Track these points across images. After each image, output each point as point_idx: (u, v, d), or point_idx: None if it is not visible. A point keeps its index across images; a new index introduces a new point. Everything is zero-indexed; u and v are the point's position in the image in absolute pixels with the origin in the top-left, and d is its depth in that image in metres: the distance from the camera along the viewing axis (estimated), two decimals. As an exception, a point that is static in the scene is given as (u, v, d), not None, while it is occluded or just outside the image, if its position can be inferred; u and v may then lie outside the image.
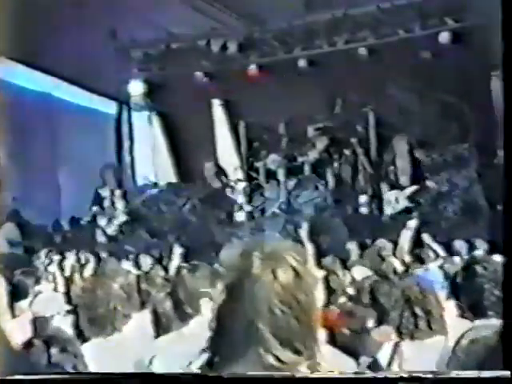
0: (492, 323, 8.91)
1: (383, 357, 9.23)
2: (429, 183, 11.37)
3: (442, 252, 9.71)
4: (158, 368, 9.62)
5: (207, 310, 9.45)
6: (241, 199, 12.46)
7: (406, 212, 10.93)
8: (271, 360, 2.41)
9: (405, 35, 12.61)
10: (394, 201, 11.24)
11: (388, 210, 11.17)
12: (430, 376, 3.80)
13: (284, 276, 2.47)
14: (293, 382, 2.47)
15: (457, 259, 9.59)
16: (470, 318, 9.22)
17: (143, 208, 12.80)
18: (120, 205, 12.50)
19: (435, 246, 9.76)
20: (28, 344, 10.48)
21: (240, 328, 2.44)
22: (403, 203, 11.14)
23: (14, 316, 10.70)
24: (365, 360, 9.20)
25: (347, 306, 9.60)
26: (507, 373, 4.75)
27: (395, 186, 11.67)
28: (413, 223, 9.96)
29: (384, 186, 11.64)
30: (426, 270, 9.67)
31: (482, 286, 9.43)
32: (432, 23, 12.47)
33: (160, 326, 10.29)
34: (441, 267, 9.59)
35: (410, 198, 11.19)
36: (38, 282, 10.93)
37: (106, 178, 13.49)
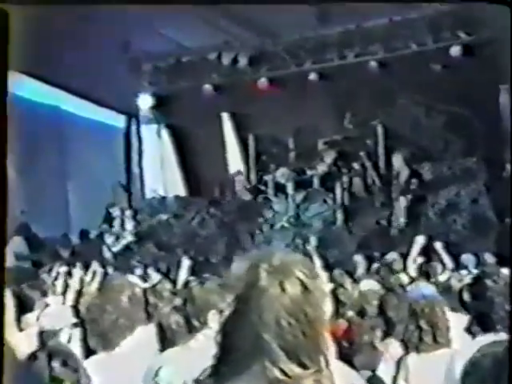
0: (501, 338, 8.86)
1: (388, 370, 9.18)
2: (437, 197, 11.29)
3: (450, 265, 9.64)
4: (164, 380, 9.60)
5: (215, 323, 9.41)
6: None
7: (415, 225, 10.85)
8: (277, 373, 2.37)
9: (417, 48, 12.59)
10: (399, 214, 11.17)
11: (395, 223, 11.11)
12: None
13: (292, 289, 2.44)
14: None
15: (464, 273, 9.53)
16: (476, 331, 9.16)
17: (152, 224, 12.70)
18: (129, 226, 12.37)
19: (445, 258, 9.69)
20: (32, 357, 10.47)
21: (246, 340, 2.41)
22: (404, 216, 11.05)
23: (20, 329, 10.68)
24: (370, 374, 9.17)
25: (355, 319, 9.55)
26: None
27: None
28: (420, 239, 9.90)
29: (393, 199, 11.58)
30: (416, 286, 9.61)
31: (491, 299, 9.37)
32: (444, 36, 12.45)
33: (167, 339, 10.26)
34: (446, 281, 9.55)
35: (411, 210, 11.07)
36: (44, 295, 10.90)
37: (117, 193, 13.41)
